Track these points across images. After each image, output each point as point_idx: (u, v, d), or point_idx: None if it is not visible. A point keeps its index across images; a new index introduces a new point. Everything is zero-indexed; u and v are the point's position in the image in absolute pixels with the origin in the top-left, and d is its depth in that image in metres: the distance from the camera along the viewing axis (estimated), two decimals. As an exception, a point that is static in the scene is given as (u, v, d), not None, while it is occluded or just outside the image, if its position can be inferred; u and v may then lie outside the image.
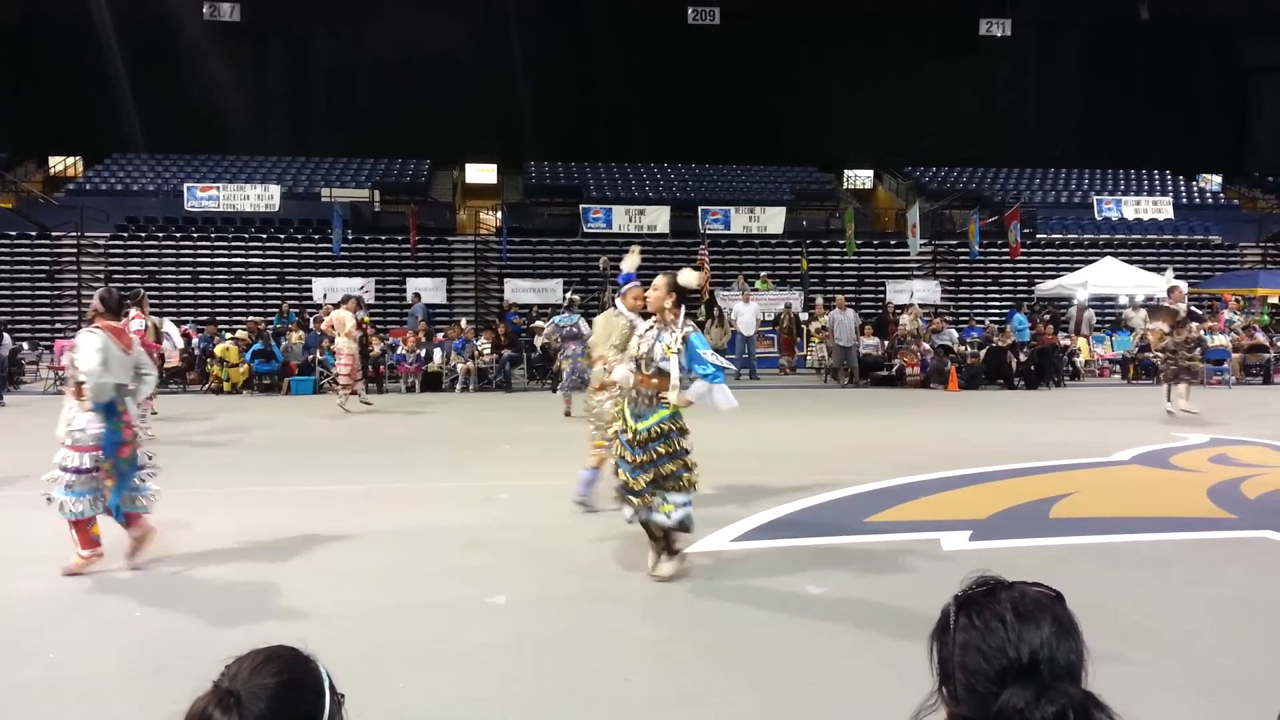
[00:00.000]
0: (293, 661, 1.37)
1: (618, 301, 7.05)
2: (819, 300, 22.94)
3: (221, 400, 16.13)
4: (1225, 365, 18.46)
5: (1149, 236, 28.27)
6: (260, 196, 25.56)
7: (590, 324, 13.97)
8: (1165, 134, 33.01)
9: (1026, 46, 32.90)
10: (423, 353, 18.18)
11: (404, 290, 24.74)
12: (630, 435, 5.60)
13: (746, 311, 20.11)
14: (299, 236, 25.98)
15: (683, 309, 5.71)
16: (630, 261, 7.18)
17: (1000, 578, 1.43)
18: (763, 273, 25.21)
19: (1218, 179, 33.77)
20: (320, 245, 25.34)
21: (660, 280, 5.81)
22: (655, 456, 5.52)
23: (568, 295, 16.07)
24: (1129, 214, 28.15)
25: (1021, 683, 1.28)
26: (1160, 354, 13.48)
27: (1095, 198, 28.92)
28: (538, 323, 21.26)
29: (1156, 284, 23.32)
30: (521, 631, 4.79)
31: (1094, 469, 9.34)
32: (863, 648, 4.52)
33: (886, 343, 19.47)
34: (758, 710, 3.92)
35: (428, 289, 24.70)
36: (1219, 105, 35.12)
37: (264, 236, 25.89)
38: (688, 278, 5.88)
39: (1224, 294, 22.94)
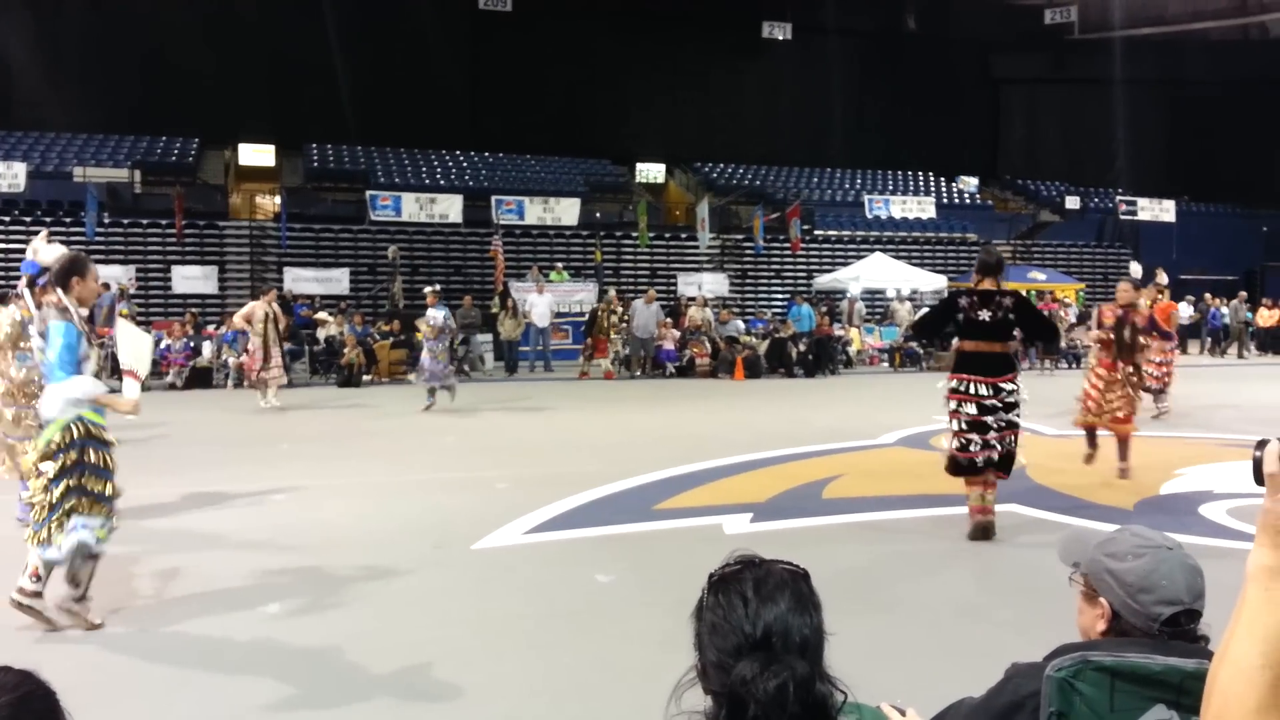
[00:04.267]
0: (25, 675, 1.31)
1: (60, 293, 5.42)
2: (612, 291, 23.18)
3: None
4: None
5: (914, 234, 30.40)
6: (2, 176, 23.05)
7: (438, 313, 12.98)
8: (928, 138, 35.50)
9: (805, 50, 34.54)
10: (191, 346, 16.99)
11: (169, 279, 23.03)
12: (34, 454, 4.70)
13: (541, 303, 20.04)
14: (47, 220, 23.49)
15: (62, 295, 4.68)
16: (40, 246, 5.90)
17: (753, 556, 1.45)
18: (558, 264, 25.22)
19: (974, 181, 36.69)
20: (72, 229, 23.05)
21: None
22: (52, 476, 4.56)
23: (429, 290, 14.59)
24: (896, 213, 30.14)
25: (751, 656, 1.31)
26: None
27: (866, 197, 30.74)
28: (321, 314, 20.32)
29: (921, 279, 25.18)
30: (298, 642, 4.54)
31: (862, 451, 9.94)
32: (645, 633, 4.57)
33: (678, 334, 19.99)
34: (544, 700, 3.90)
35: (197, 278, 23.11)
36: (975, 113, 38.27)
37: (7, 220, 23.34)
38: (50, 252, 5.29)
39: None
